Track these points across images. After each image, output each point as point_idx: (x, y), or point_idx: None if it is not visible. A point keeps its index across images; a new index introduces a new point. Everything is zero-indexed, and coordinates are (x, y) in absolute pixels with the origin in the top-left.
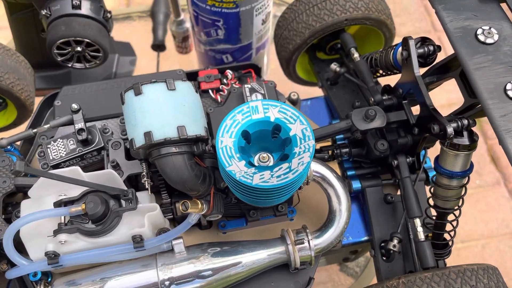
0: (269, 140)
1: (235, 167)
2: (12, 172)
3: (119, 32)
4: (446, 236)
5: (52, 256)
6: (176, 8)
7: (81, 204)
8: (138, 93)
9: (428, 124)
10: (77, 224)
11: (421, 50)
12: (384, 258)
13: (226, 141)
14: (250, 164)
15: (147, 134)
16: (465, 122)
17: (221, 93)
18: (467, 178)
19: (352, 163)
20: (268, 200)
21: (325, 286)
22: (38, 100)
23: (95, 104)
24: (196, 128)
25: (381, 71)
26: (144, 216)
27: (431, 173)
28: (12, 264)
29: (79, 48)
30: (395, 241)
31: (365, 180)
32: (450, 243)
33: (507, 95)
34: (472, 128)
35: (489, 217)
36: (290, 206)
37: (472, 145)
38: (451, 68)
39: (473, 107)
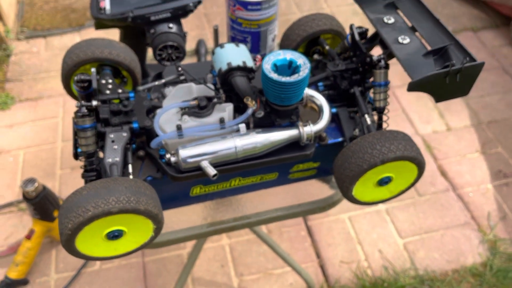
0: (286, 69)
1: (273, 75)
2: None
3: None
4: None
5: (180, 127)
6: (216, 42)
7: (195, 100)
8: (222, 47)
9: (365, 63)
10: (193, 110)
11: (359, 30)
12: None
13: (267, 66)
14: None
15: (229, 63)
16: (381, 56)
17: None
18: (388, 86)
19: (331, 101)
20: (288, 95)
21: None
22: None
23: None
24: (251, 63)
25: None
26: (225, 109)
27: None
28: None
29: (170, 51)
30: (357, 130)
31: (338, 107)
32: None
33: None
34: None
35: (444, 214)
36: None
37: (387, 66)
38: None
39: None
